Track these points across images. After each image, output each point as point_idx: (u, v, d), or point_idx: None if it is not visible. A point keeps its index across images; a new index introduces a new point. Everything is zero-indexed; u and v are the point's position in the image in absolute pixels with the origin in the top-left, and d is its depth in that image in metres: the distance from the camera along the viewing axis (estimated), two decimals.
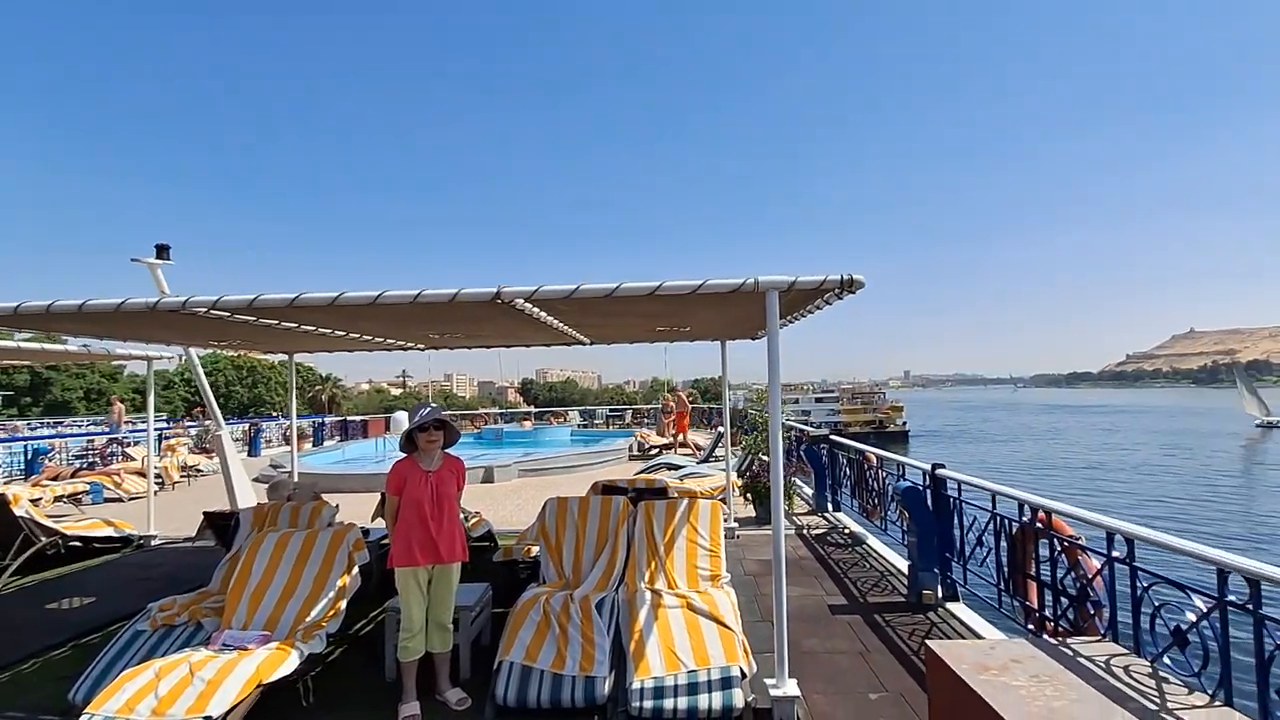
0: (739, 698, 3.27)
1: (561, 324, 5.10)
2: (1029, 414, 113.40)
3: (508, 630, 3.87)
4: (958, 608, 4.78)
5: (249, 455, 16.81)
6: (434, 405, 4.01)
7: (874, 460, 6.79)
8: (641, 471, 10.97)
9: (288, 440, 15.16)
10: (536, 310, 4.14)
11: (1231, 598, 2.41)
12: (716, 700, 3.27)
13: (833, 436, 8.51)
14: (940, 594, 4.91)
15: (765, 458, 9.27)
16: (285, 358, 7.92)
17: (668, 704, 3.25)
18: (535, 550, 4.95)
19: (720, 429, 11.08)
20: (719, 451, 12.13)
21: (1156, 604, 2.76)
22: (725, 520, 7.23)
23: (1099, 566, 3.20)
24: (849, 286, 3.28)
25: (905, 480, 5.40)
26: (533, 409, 33.11)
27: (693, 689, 3.33)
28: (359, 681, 3.99)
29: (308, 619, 3.79)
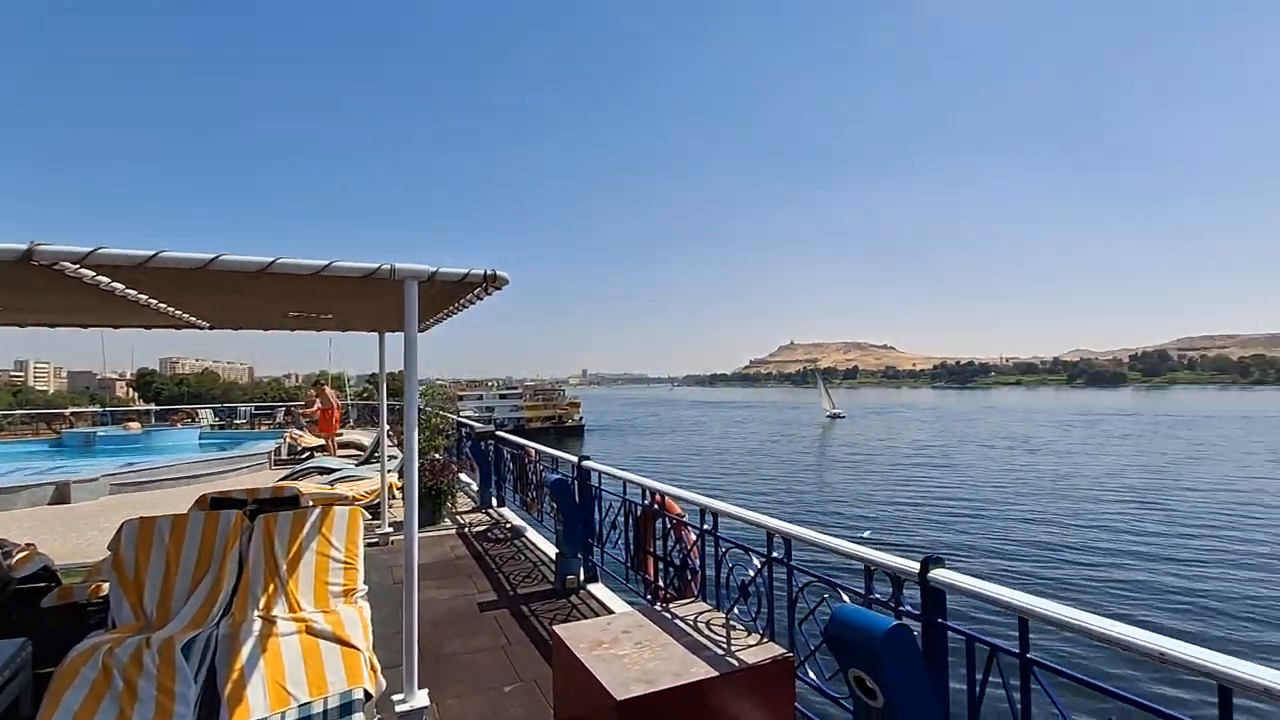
0: None
1: (155, 300, 4.10)
2: (682, 409, 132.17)
3: (48, 697, 2.94)
4: (597, 588, 5.20)
5: None
6: None
7: (533, 454, 7.03)
8: (286, 477, 9.61)
9: None
10: (104, 280, 3.23)
11: (776, 554, 3.02)
12: None
13: (498, 433, 8.59)
14: (583, 577, 5.28)
15: (438, 456, 8.94)
16: None
17: None
18: (106, 588, 3.89)
19: (388, 427, 10.33)
20: (393, 451, 11.33)
21: (731, 565, 3.33)
22: (380, 525, 6.78)
23: (695, 539, 3.75)
24: (494, 282, 3.27)
25: (556, 473, 5.69)
26: (153, 407, 26.62)
27: None
28: None
29: None
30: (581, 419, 79.53)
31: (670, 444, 56.89)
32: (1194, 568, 16.17)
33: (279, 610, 3.81)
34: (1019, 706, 1.94)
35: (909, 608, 2.31)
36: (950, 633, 2.19)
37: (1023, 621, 1.94)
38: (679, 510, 4.10)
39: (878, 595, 2.45)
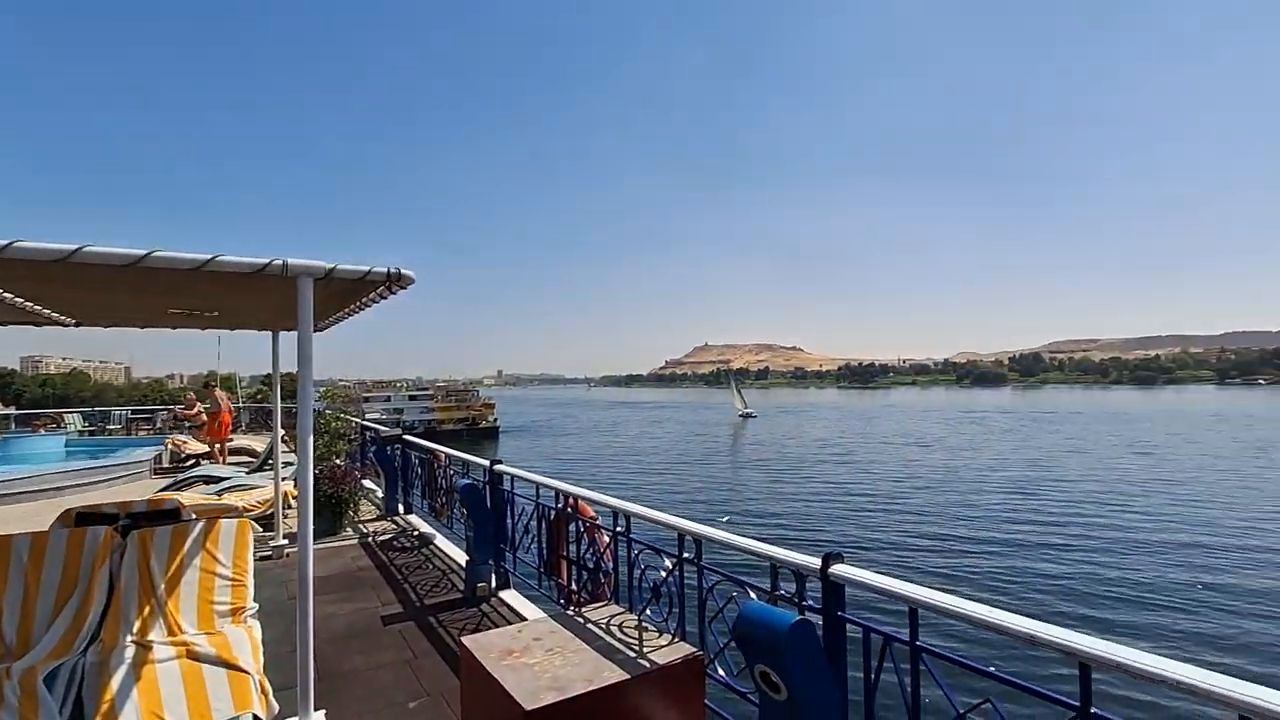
0: None
1: (8, 295, 3.66)
2: (599, 410, 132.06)
3: None
4: (509, 595, 5.09)
5: None
6: None
7: (443, 459, 6.81)
8: (167, 488, 8.84)
9: None
10: None
11: (687, 555, 3.06)
12: None
13: (406, 436, 8.27)
14: (494, 584, 5.16)
15: (340, 461, 8.49)
16: None
17: None
18: None
19: (283, 431, 9.70)
20: (288, 458, 10.64)
21: (644, 567, 3.35)
22: (274, 538, 6.35)
23: (608, 541, 3.75)
24: (398, 281, 3.13)
25: (467, 478, 5.53)
26: (12, 411, 23.72)
27: None
28: None
29: None
30: (496, 420, 77.89)
31: (587, 445, 56.71)
32: (1065, 553, 17.80)
33: (156, 634, 3.51)
34: (909, 691, 2.06)
35: (812, 602, 2.40)
36: (849, 625, 2.30)
37: (913, 611, 2.06)
38: (592, 513, 4.08)
39: (783, 592, 2.53)
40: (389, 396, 78.01)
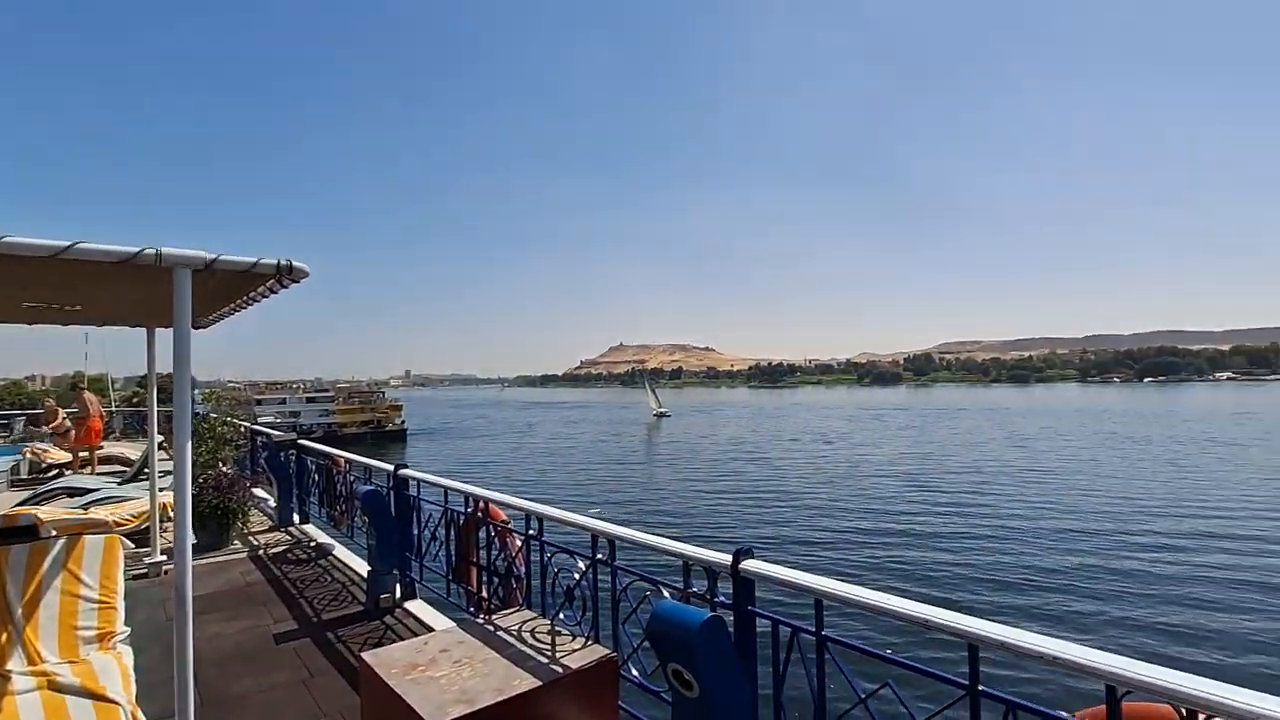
0: None
1: None
2: (514, 411, 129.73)
3: None
4: (416, 605, 4.88)
5: None
6: None
7: (343, 464, 6.45)
8: (25, 502, 7.89)
9: None
10: None
11: (600, 556, 3.03)
12: None
13: (302, 441, 7.77)
14: (399, 595, 4.93)
15: (226, 469, 7.85)
16: None
17: None
18: None
19: (160, 437, 8.87)
20: (166, 466, 9.73)
21: (556, 570, 3.29)
22: (151, 554, 5.79)
23: (520, 545, 3.66)
24: (290, 274, 2.91)
25: (369, 484, 5.26)
26: None
27: None
28: None
29: None
30: (404, 422, 74.82)
31: (500, 447, 55.55)
32: (956, 540, 19.14)
33: (14, 664, 3.12)
34: (815, 680, 2.13)
35: (723, 599, 2.44)
36: (759, 619, 2.35)
37: (818, 603, 2.13)
38: (504, 516, 3.98)
39: (695, 589, 2.55)
40: (284, 399, 73.24)
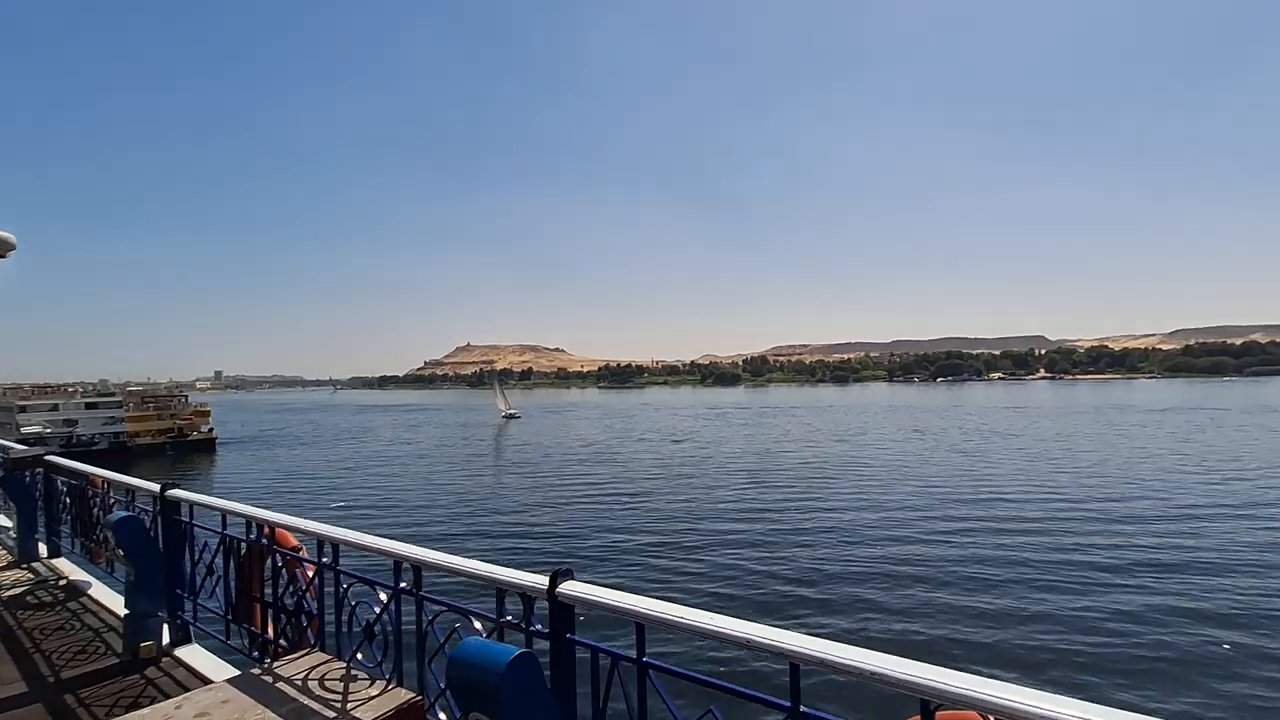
0: None
1: None
2: (348, 415, 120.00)
3: None
4: (189, 652, 4.08)
5: None
6: None
7: (101, 485, 5.33)
8: None
9: None
10: None
11: (404, 585, 2.63)
12: None
13: (51, 458, 6.36)
14: (168, 640, 4.10)
15: None
16: None
17: None
18: None
19: None
20: None
21: (354, 603, 2.84)
22: None
23: (312, 576, 3.14)
24: None
25: (129, 508, 4.35)
26: None
27: None
28: None
29: None
30: (212, 431, 66.12)
31: (330, 456, 50.92)
32: (796, 537, 20.52)
33: None
34: (637, 711, 1.93)
35: (539, 626, 2.17)
36: (578, 647, 2.11)
37: (640, 627, 1.94)
38: (294, 543, 3.41)
39: (510, 618, 2.26)
40: (57, 405, 61.70)
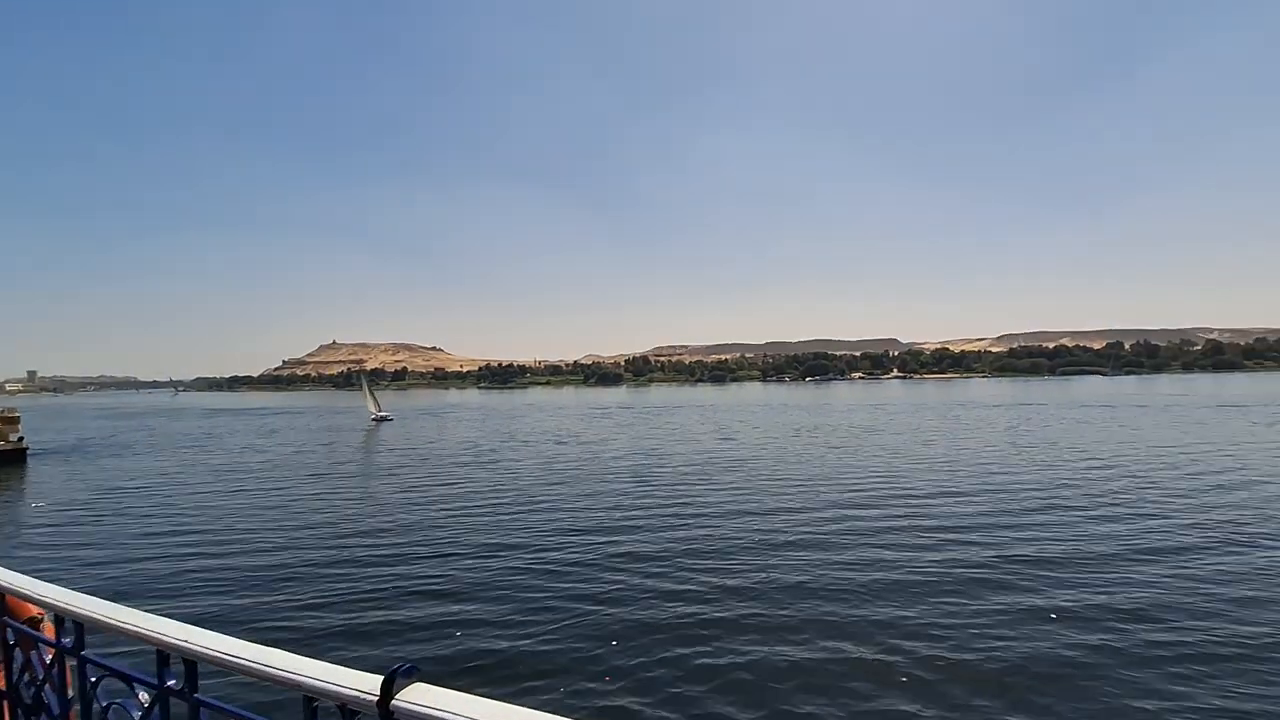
0: None
1: None
2: (193, 419, 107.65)
3: None
4: None
5: None
6: None
7: None
8: None
9: None
10: None
11: (172, 683, 1.85)
12: None
13: None
14: None
15: None
16: None
17: None
18: None
19: None
20: None
21: (106, 704, 2.00)
22: None
23: (50, 662, 2.23)
24: None
25: None
26: None
27: None
28: None
29: None
30: (22, 440, 56.29)
31: (168, 467, 44.90)
32: (683, 545, 20.39)
33: None
34: None
35: None
36: None
37: None
38: (36, 611, 2.46)
39: None
40: None
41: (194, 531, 23.15)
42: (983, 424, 60.15)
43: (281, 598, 15.20)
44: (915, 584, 15.06)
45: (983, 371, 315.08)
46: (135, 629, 1.91)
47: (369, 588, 15.67)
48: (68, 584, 2.28)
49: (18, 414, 60.38)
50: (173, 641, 1.80)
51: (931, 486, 27.78)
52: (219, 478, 38.27)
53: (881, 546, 18.21)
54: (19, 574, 2.44)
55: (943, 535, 19.28)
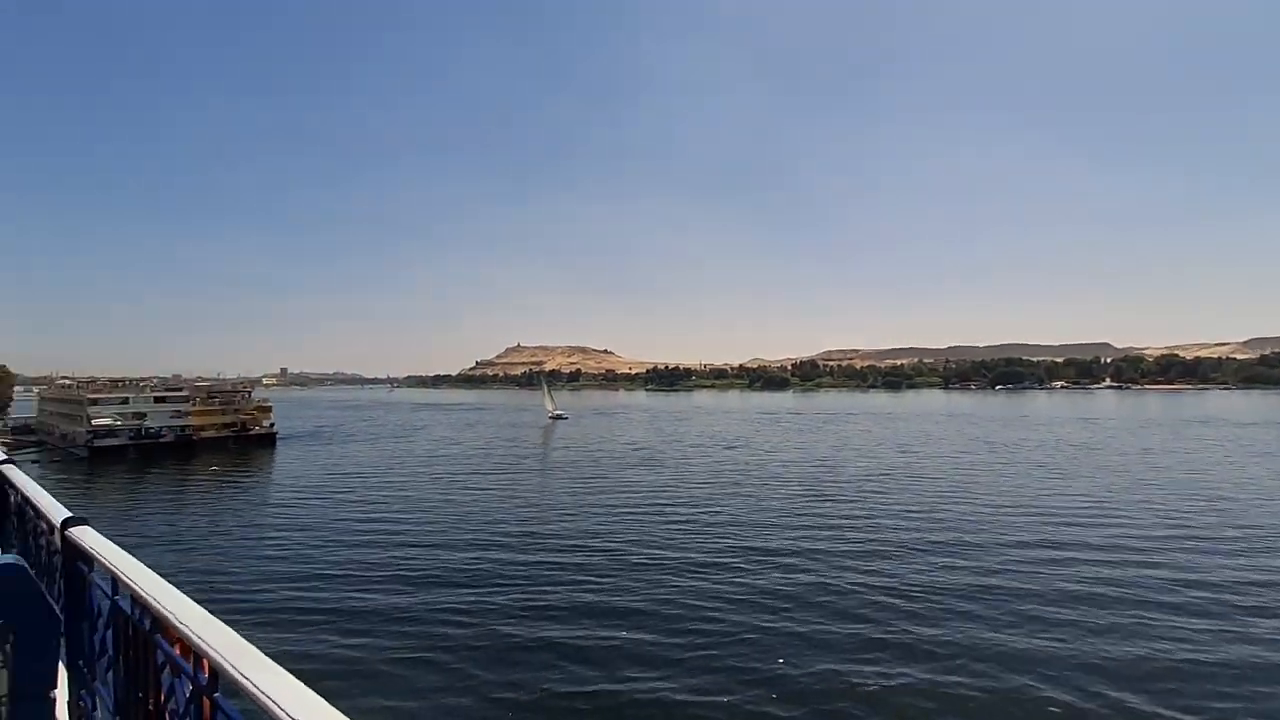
0: None
1: None
2: (404, 412, 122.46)
3: None
4: None
5: None
6: None
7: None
8: None
9: None
10: None
11: None
12: None
13: None
14: None
15: None
16: None
17: None
18: None
19: None
20: None
21: None
22: None
23: (190, 697, 1.92)
24: None
25: (10, 552, 3.26)
26: None
27: None
28: None
29: None
30: (273, 425, 67.79)
31: (381, 454, 51.27)
32: (876, 560, 18.75)
33: None
34: None
35: None
36: None
37: None
38: (196, 640, 2.20)
39: None
40: (128, 398, 64.27)
41: (398, 522, 25.70)
42: (1237, 446, 49.04)
43: (471, 597, 16.16)
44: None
45: (1223, 381, 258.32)
46: (264, 693, 1.47)
47: (550, 599, 16.13)
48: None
49: (270, 404, 73.15)
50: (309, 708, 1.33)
51: (1182, 525, 22.78)
52: (424, 464, 42.73)
53: (1124, 593, 15.05)
54: (177, 593, 2.20)
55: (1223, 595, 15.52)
